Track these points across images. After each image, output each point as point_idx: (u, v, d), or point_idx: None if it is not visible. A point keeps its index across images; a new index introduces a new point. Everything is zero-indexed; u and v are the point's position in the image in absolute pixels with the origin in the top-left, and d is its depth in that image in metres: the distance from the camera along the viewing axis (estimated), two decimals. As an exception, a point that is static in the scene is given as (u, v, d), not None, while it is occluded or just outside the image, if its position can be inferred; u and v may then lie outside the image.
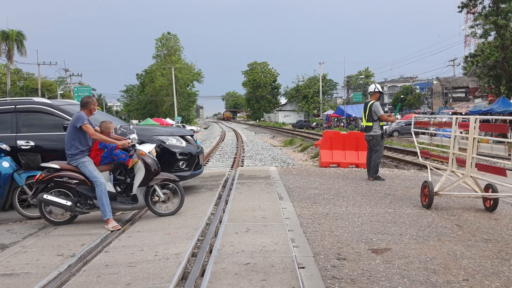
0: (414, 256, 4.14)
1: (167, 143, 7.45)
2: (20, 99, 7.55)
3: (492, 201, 6.04)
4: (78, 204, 5.83)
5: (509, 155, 5.52)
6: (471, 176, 6.07)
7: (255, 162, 18.16)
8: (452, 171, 6.48)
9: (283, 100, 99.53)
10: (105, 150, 5.94)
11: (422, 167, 12.08)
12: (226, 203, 6.67)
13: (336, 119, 56.62)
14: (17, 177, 6.19)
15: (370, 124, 8.98)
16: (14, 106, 7.16)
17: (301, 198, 7.00)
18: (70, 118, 6.23)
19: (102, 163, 5.95)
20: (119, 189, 6.22)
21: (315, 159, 17.64)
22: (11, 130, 7.03)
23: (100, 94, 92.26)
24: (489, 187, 6.01)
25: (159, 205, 6.12)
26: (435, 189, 6.16)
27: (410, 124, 8.31)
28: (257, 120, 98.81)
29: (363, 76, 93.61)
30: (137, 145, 6.02)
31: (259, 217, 5.67)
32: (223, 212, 6.07)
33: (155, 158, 6.06)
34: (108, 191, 5.77)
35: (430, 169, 7.08)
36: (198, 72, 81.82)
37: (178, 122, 54.93)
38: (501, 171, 5.78)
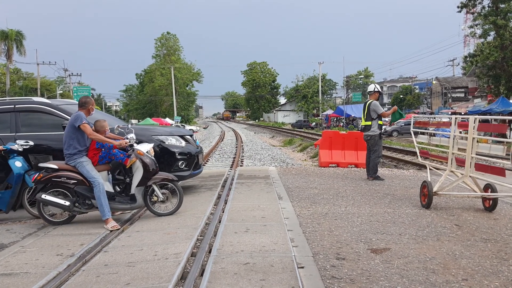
0: (413, 256, 4.14)
1: (167, 143, 7.44)
2: (19, 99, 7.53)
3: (491, 201, 6.05)
4: (77, 204, 5.82)
5: (507, 155, 5.52)
6: (470, 176, 6.07)
7: (255, 162, 18.16)
8: (452, 171, 6.49)
9: (282, 100, 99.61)
10: (103, 149, 5.94)
11: (422, 167, 12.08)
12: (226, 203, 6.67)
13: (335, 119, 56.61)
14: (27, 178, 6.20)
15: (368, 123, 8.99)
16: (13, 106, 7.15)
17: (301, 198, 7.00)
18: (69, 118, 6.22)
19: (100, 163, 5.94)
20: (119, 189, 6.21)
21: (315, 159, 17.65)
22: (10, 130, 7.02)
23: (99, 94, 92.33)
24: (488, 187, 6.01)
25: (158, 205, 6.12)
26: (435, 189, 6.17)
27: (410, 124, 8.32)
28: (257, 120, 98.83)
29: (363, 76, 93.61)
30: (135, 144, 6.01)
31: (259, 217, 5.67)
32: (223, 212, 6.07)
33: (153, 157, 6.05)
34: (106, 191, 5.76)
35: (430, 169, 7.08)
36: (197, 72, 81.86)
37: (177, 122, 54.91)
38: (499, 171, 5.78)
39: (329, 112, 60.22)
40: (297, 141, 29.21)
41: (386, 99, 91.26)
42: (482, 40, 29.09)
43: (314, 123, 61.96)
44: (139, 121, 56.77)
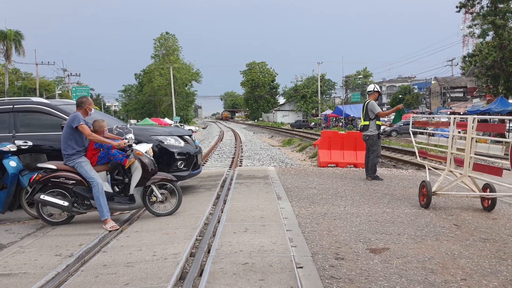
0: (412, 256, 4.14)
1: (166, 143, 7.44)
2: (18, 99, 7.52)
3: (490, 201, 6.05)
4: (75, 205, 5.81)
5: (506, 154, 5.52)
6: (469, 176, 6.08)
7: (254, 162, 18.16)
8: (450, 171, 6.49)
9: (281, 100, 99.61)
10: (102, 150, 5.93)
11: (420, 167, 12.09)
12: (225, 203, 6.67)
13: (334, 119, 56.64)
14: (21, 179, 6.18)
15: (366, 123, 9.02)
16: (12, 106, 7.14)
17: (300, 198, 7.00)
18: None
19: (99, 163, 5.94)
20: (117, 189, 6.21)
21: (314, 159, 17.65)
22: (9, 130, 7.01)
23: (98, 94, 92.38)
24: (487, 186, 6.02)
25: (157, 205, 6.11)
26: (433, 189, 6.17)
27: (409, 124, 8.32)
28: (256, 120, 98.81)
29: (362, 76, 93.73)
30: (133, 145, 6.00)
31: (258, 217, 5.67)
32: (222, 212, 6.07)
33: (152, 158, 6.05)
34: (105, 191, 5.76)
35: (428, 169, 7.09)
36: (196, 72, 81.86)
37: (176, 122, 54.91)
38: (496, 171, 5.78)
39: (328, 112, 60.28)
40: (296, 141, 29.21)
41: (385, 99, 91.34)
42: (481, 40, 29.16)
43: (313, 123, 61.99)
44: (138, 121, 56.72)
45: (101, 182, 5.74)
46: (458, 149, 6.36)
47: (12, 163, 6.16)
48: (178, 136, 7.77)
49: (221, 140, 34.97)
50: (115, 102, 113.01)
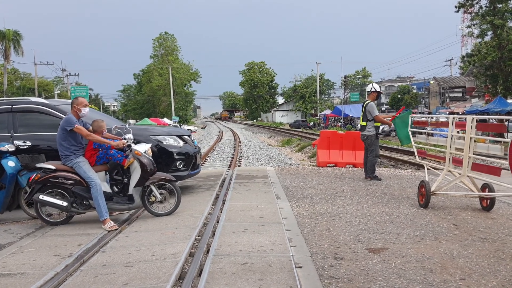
0: (411, 256, 4.14)
1: (165, 143, 7.44)
2: (17, 99, 7.52)
3: (489, 201, 6.06)
4: (74, 205, 5.81)
5: (505, 154, 5.53)
6: (468, 176, 6.08)
7: (253, 162, 18.16)
8: (449, 171, 6.50)
9: (280, 100, 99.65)
10: (100, 150, 5.93)
11: (419, 166, 12.10)
12: (224, 203, 6.67)
13: (333, 119, 56.68)
14: (20, 179, 6.18)
15: (364, 123, 9.05)
16: (10, 106, 7.13)
17: (299, 198, 7.01)
18: None
19: (97, 163, 5.93)
20: (116, 189, 6.20)
21: (313, 158, 17.66)
22: (8, 130, 7.01)
23: (97, 94, 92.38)
24: (486, 186, 6.02)
25: (156, 205, 6.11)
26: (432, 189, 6.18)
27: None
28: (255, 120, 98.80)
29: (360, 76, 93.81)
30: (132, 145, 6.00)
31: (257, 217, 5.67)
32: (221, 212, 6.07)
33: (151, 158, 6.04)
34: (104, 191, 5.75)
35: (427, 169, 7.09)
36: (195, 72, 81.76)
37: (175, 122, 54.88)
38: (494, 171, 5.79)
39: (327, 112, 60.34)
40: (295, 141, 29.22)
41: (384, 99, 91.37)
42: (479, 40, 29.18)
43: (312, 123, 62.00)
44: (137, 121, 56.67)
45: (100, 182, 5.74)
46: (457, 149, 6.36)
47: (10, 163, 6.16)
48: (177, 136, 7.77)
49: (220, 140, 34.97)
50: (114, 102, 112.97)
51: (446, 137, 6.57)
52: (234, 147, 26.67)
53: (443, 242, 4.59)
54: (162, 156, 7.24)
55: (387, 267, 3.84)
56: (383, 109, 79.86)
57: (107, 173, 6.13)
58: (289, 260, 3.98)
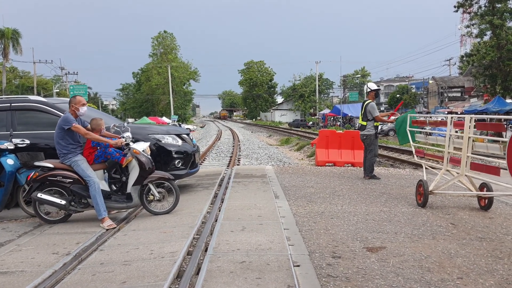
0: (409, 255, 4.15)
1: (163, 141, 7.43)
2: (16, 97, 7.52)
3: (487, 200, 6.07)
4: (72, 203, 5.81)
5: (505, 154, 5.54)
6: (466, 175, 6.09)
7: (251, 161, 18.16)
8: (447, 170, 6.51)
9: (279, 99, 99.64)
10: (99, 148, 5.92)
11: (418, 166, 12.12)
12: (222, 202, 6.67)
13: (332, 118, 56.70)
14: (18, 177, 6.17)
15: (364, 123, 9.06)
16: (9, 104, 7.13)
17: (297, 197, 7.01)
18: None
19: (96, 162, 5.93)
20: (115, 188, 6.20)
21: (311, 158, 17.67)
22: (7, 128, 7.00)
23: (96, 93, 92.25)
24: (484, 186, 6.03)
25: (154, 204, 6.11)
26: (430, 188, 6.19)
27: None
28: (254, 119, 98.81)
29: (359, 76, 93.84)
30: (131, 143, 5.99)
31: (255, 216, 5.67)
32: (219, 211, 6.07)
33: (149, 156, 6.04)
34: (102, 190, 5.75)
35: (425, 168, 7.10)
36: (194, 71, 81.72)
37: (174, 120, 54.84)
38: (494, 170, 5.80)
39: (326, 111, 60.36)
40: (294, 140, 29.23)
41: (382, 99, 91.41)
42: (478, 39, 29.21)
43: (311, 122, 62.03)
44: (135, 120, 56.64)
45: (98, 180, 5.73)
46: (455, 148, 6.37)
47: (9, 161, 6.15)
48: (176, 134, 7.77)
49: (219, 139, 34.96)
50: (113, 100, 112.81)
51: (445, 137, 6.58)
52: (233, 146, 26.66)
53: (441, 241, 4.60)
54: (160, 154, 7.24)
55: (385, 266, 3.85)
56: (382, 108, 79.95)
57: (105, 171, 6.13)
58: (287, 259, 3.98)
